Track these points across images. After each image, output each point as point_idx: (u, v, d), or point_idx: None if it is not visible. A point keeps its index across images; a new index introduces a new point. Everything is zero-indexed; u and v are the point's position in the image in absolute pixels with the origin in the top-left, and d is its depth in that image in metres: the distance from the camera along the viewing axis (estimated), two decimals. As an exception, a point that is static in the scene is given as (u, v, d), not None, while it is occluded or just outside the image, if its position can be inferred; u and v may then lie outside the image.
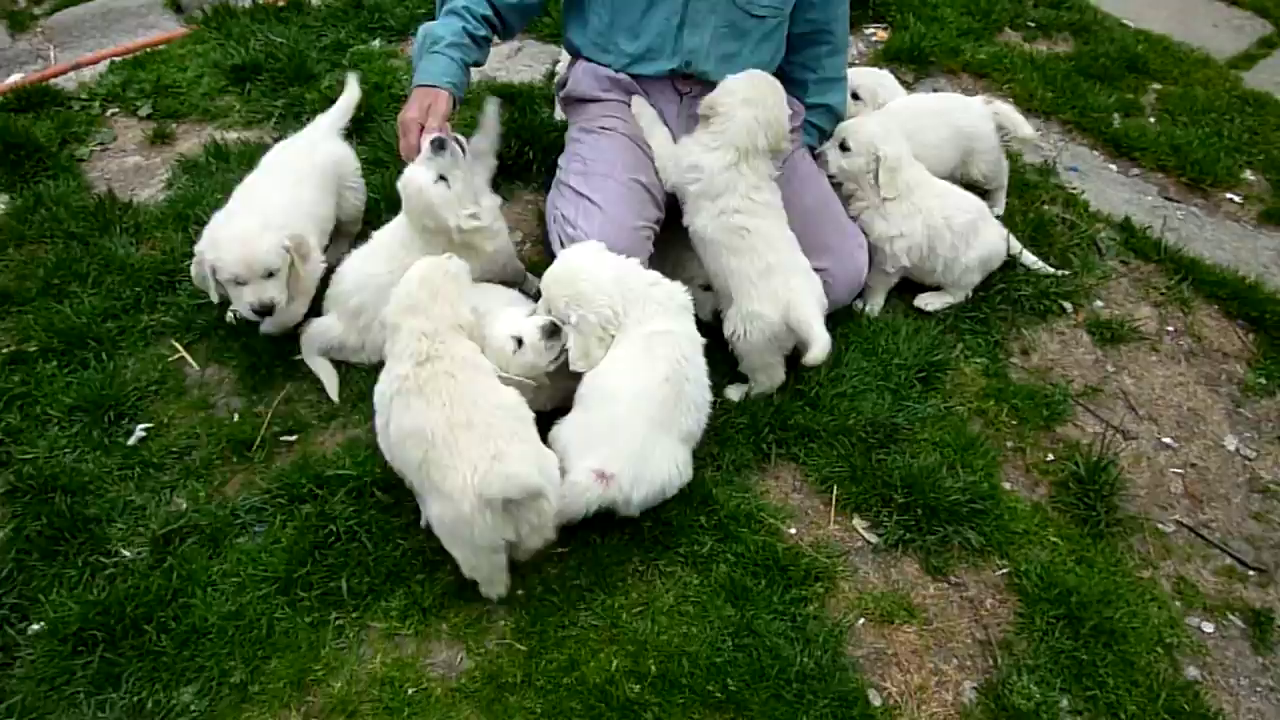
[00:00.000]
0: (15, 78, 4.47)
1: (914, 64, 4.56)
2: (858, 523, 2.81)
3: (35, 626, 2.45)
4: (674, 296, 2.76)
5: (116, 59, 4.51)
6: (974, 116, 3.63)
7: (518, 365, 2.64)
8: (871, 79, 3.77)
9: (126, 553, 2.60)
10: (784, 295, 2.86)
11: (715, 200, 2.93)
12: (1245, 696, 2.55)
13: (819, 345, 2.79)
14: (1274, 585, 2.80)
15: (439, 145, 2.76)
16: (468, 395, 2.39)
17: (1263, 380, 3.33)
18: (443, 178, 2.80)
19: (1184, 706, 2.46)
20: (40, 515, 2.63)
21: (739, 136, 2.89)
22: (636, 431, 2.54)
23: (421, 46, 2.97)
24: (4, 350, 3.09)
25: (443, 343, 2.47)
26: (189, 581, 2.52)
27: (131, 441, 2.85)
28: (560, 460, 2.49)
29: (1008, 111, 3.66)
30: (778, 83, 3.02)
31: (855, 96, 3.65)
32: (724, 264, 2.94)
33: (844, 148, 3.29)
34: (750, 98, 2.92)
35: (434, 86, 2.87)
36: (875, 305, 3.37)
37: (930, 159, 3.45)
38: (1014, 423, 3.11)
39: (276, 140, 3.86)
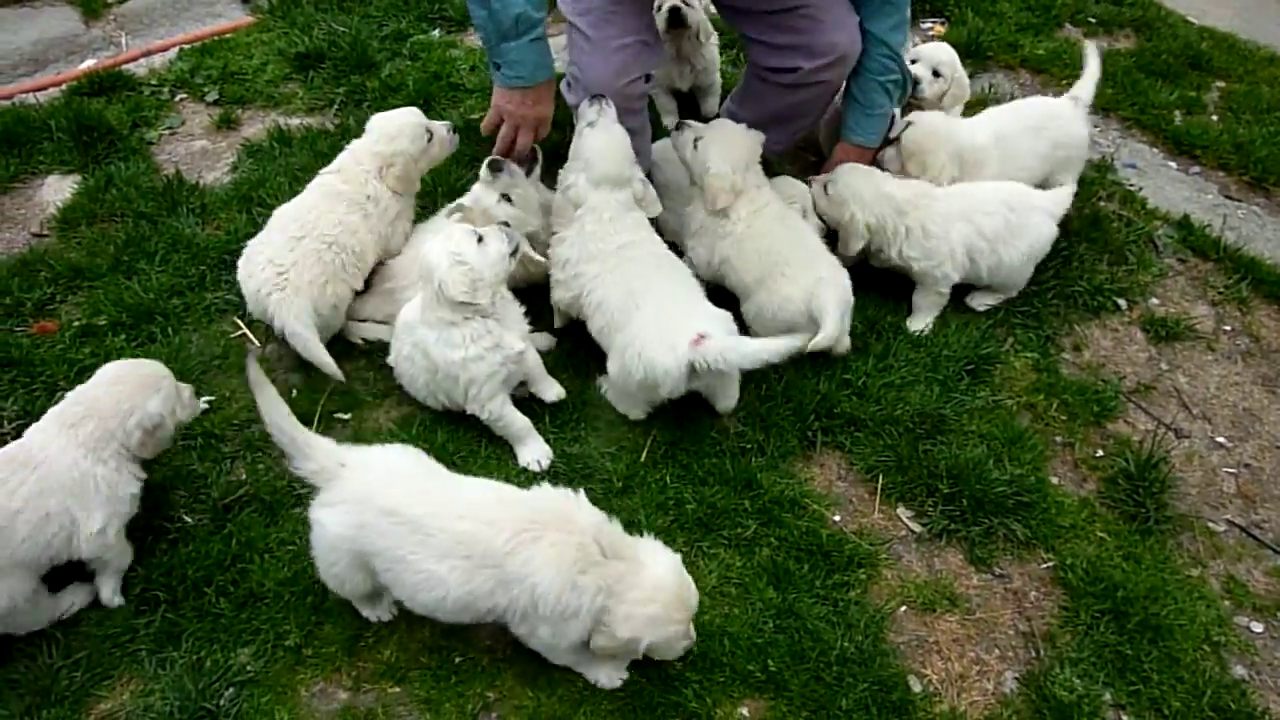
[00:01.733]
0: (89, 63, 4.62)
1: (971, 58, 4.52)
2: (902, 512, 2.82)
3: (101, 587, 2.56)
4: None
5: (185, 46, 4.64)
6: (1069, 123, 3.57)
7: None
8: (949, 55, 3.76)
9: (188, 519, 2.70)
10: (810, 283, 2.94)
11: None
12: (1294, 698, 2.52)
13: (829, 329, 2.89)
14: (1328, 588, 2.76)
15: (496, 168, 2.84)
16: None
17: (1322, 382, 3.28)
18: (506, 196, 2.89)
19: (1230, 704, 2.44)
20: (108, 481, 2.74)
21: None
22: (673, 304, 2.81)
23: (509, 29, 2.87)
24: (76, 323, 3.20)
25: None
26: (247, 548, 2.60)
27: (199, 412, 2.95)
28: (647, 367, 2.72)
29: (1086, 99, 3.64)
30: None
31: (936, 74, 3.65)
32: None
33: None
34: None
35: (534, 86, 2.97)
36: (925, 324, 3.31)
37: (1022, 176, 3.41)
38: (1063, 418, 3.09)
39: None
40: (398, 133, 3.19)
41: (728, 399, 2.95)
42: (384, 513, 2.20)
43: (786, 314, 3.01)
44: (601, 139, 2.94)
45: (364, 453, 2.36)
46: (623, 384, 2.86)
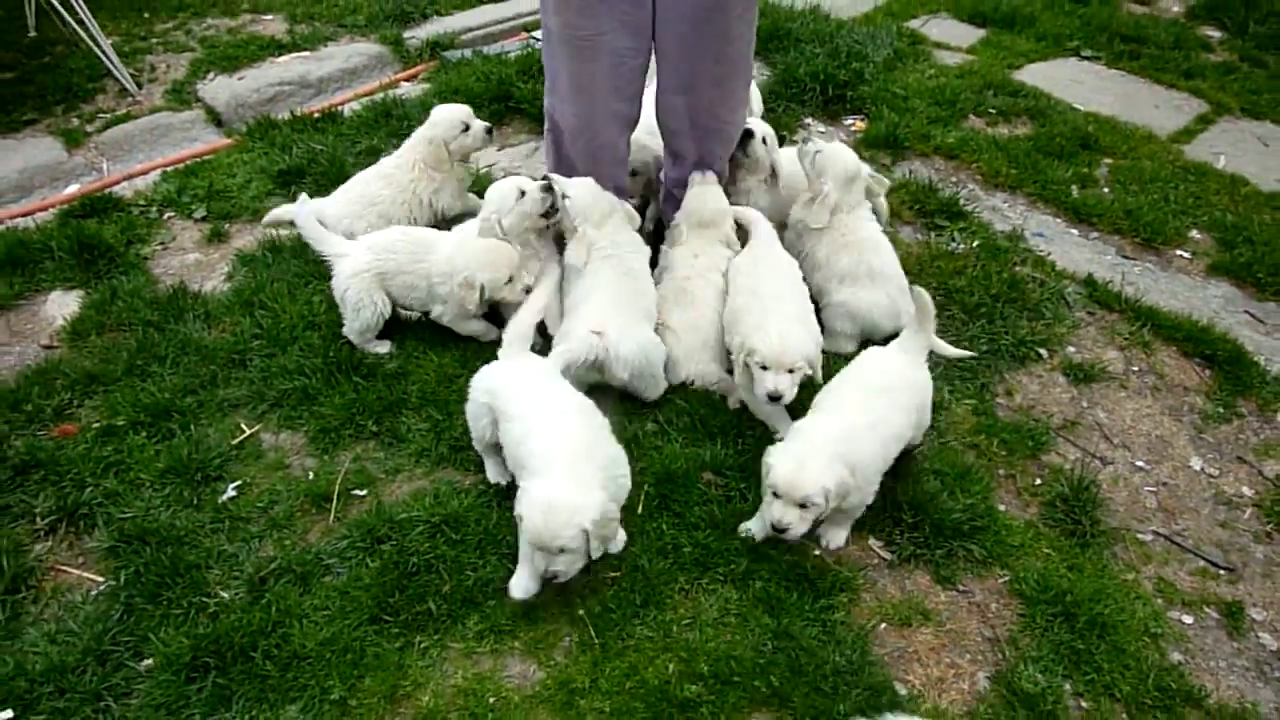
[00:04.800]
0: (73, 188, 4.91)
1: (890, 149, 5.08)
2: (873, 542, 3.15)
3: (147, 662, 2.74)
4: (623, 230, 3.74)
5: (168, 169, 4.96)
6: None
7: (517, 212, 3.65)
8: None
9: (225, 594, 2.90)
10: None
11: None
12: (1224, 675, 2.88)
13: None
14: (1243, 582, 3.15)
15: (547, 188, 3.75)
16: None
17: (1220, 409, 3.74)
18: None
19: (1171, 685, 2.79)
20: (142, 565, 2.94)
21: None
22: (612, 305, 3.45)
23: None
24: (96, 425, 3.42)
25: None
26: (286, 615, 2.82)
27: (223, 499, 3.18)
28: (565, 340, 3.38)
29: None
30: None
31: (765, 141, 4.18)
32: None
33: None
34: None
35: None
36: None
37: None
38: (1003, 453, 3.49)
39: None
40: (438, 120, 4.14)
41: (648, 394, 3.55)
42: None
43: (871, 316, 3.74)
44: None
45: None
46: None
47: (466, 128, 4.15)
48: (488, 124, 4.21)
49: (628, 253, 3.69)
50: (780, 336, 3.24)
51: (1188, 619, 3.03)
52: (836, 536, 3.09)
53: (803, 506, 2.81)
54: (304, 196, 3.89)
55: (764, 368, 3.23)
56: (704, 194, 3.91)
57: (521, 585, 2.86)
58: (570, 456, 2.78)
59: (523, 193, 3.67)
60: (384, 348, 3.73)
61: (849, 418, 2.98)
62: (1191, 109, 5.72)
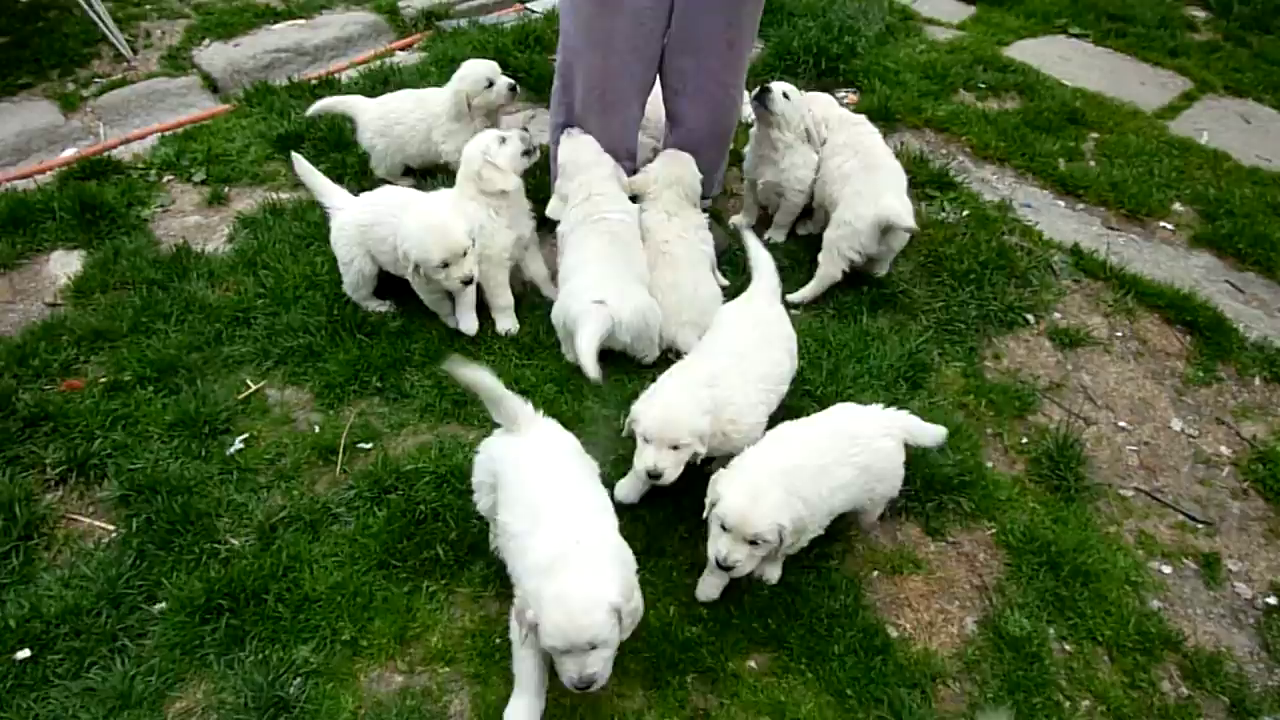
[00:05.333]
0: (70, 152, 4.93)
1: (882, 121, 5.14)
2: (866, 496, 3.25)
3: (160, 605, 2.81)
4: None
5: (166, 133, 4.98)
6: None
7: (501, 157, 3.63)
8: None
9: (235, 541, 2.97)
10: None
11: None
12: (1201, 621, 3.00)
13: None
14: (1220, 535, 3.28)
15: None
16: None
17: (1200, 373, 3.85)
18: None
19: (1150, 630, 2.92)
20: (153, 513, 3.01)
21: None
22: (607, 271, 3.51)
23: None
24: (103, 380, 3.47)
25: None
26: (296, 561, 2.89)
27: (230, 452, 3.24)
28: (567, 314, 3.44)
29: None
30: None
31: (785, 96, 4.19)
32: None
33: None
34: None
35: None
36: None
37: None
38: (991, 413, 3.59)
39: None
40: (465, 74, 4.26)
41: (644, 356, 3.64)
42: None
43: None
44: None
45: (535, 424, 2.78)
46: (558, 327, 3.58)
47: (490, 83, 4.21)
48: (512, 80, 4.26)
49: (616, 217, 3.72)
50: (665, 407, 2.90)
51: (1167, 569, 3.15)
52: (772, 572, 2.91)
53: (753, 543, 2.64)
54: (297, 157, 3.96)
55: (645, 440, 2.90)
56: (677, 156, 3.96)
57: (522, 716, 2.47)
58: (583, 553, 2.42)
59: (503, 140, 3.68)
60: (382, 306, 3.78)
61: (798, 455, 2.81)
62: (1176, 86, 5.82)
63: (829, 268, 3.91)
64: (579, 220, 3.70)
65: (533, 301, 3.86)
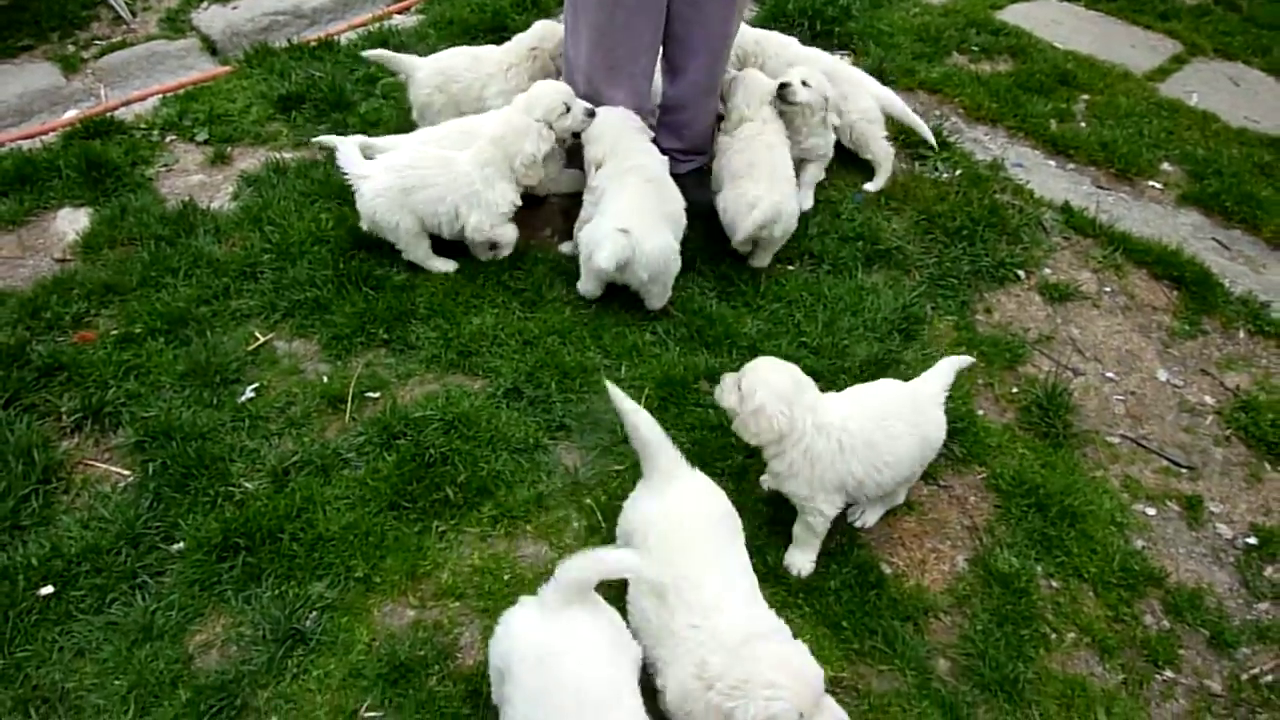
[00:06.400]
0: (73, 113, 4.96)
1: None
2: (860, 442, 3.35)
3: (178, 544, 2.90)
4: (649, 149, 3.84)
5: (167, 94, 5.01)
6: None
7: (561, 125, 3.73)
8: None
9: (249, 485, 3.06)
10: None
11: None
12: (1184, 560, 3.12)
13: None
14: (1203, 480, 3.39)
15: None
16: None
17: (1186, 326, 3.96)
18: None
19: (1134, 567, 3.03)
20: (168, 458, 3.09)
21: None
22: (637, 207, 3.55)
23: None
24: (114, 332, 3.54)
25: None
26: (309, 503, 2.98)
27: (241, 400, 3.32)
28: (591, 239, 3.52)
29: None
30: None
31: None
32: None
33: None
34: None
35: None
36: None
37: None
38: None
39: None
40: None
41: (654, 300, 3.70)
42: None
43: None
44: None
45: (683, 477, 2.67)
46: (582, 249, 3.64)
47: (567, 108, 3.78)
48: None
49: (649, 161, 3.76)
50: None
51: (1151, 511, 3.27)
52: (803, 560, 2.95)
53: None
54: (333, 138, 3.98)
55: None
56: (753, 74, 4.05)
57: None
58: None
59: (568, 108, 3.74)
60: (449, 266, 3.82)
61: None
62: (1166, 49, 5.88)
63: None
64: (612, 173, 3.70)
65: (535, 256, 3.93)
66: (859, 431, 2.74)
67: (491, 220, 3.71)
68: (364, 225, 3.76)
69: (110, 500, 3.01)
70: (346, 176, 3.74)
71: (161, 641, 2.66)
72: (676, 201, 3.74)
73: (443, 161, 3.70)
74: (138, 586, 2.78)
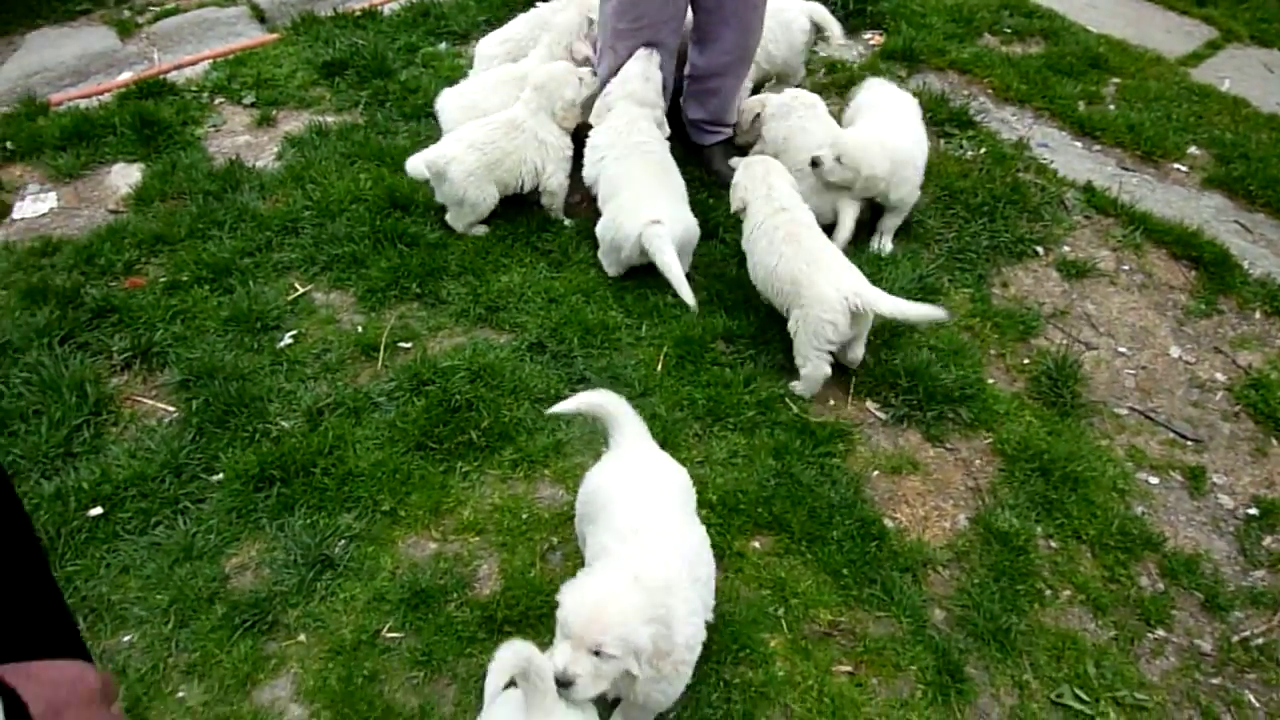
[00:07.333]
0: (127, 75, 5.16)
1: (906, 62, 5.28)
2: (870, 404, 3.46)
3: (218, 475, 3.08)
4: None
5: (217, 59, 5.21)
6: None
7: (581, 94, 3.95)
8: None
9: (285, 423, 3.23)
10: None
11: None
12: (1183, 528, 3.20)
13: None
14: (1208, 452, 3.46)
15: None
16: None
17: (1202, 306, 4.01)
18: None
19: (1133, 531, 3.12)
20: (210, 396, 3.27)
21: None
22: (655, 193, 3.66)
23: None
24: (162, 279, 3.73)
25: None
26: (340, 441, 3.15)
27: (280, 346, 3.49)
28: (619, 230, 3.64)
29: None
30: None
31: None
32: None
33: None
34: None
35: None
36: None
37: None
38: (996, 335, 3.77)
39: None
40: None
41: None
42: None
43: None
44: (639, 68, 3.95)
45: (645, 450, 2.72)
46: (605, 242, 3.76)
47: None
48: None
49: (654, 142, 3.90)
50: (595, 604, 2.13)
51: (1154, 480, 3.34)
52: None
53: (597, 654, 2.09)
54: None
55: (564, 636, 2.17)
56: (647, 67, 3.97)
57: None
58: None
59: (580, 80, 3.95)
60: (484, 229, 4.00)
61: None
62: (1202, 35, 5.88)
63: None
64: (623, 151, 3.82)
65: (563, 220, 4.07)
66: None
67: (564, 169, 3.98)
68: (443, 199, 3.93)
69: (156, 433, 3.20)
70: (431, 165, 3.84)
71: (200, 562, 2.84)
72: (677, 173, 3.89)
73: (510, 126, 3.89)
74: (180, 512, 2.97)
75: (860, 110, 4.25)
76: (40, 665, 0.93)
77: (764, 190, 3.57)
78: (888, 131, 3.98)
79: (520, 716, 1.99)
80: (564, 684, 2.03)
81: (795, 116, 3.98)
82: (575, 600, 2.13)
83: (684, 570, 2.33)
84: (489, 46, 4.57)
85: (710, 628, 2.64)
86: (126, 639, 2.67)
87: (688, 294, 3.53)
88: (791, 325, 3.41)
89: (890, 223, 4.07)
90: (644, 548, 2.32)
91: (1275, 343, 3.89)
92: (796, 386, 3.45)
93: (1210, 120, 5.04)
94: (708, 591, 2.47)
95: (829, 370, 3.38)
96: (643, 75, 3.93)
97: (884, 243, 4.07)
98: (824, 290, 3.30)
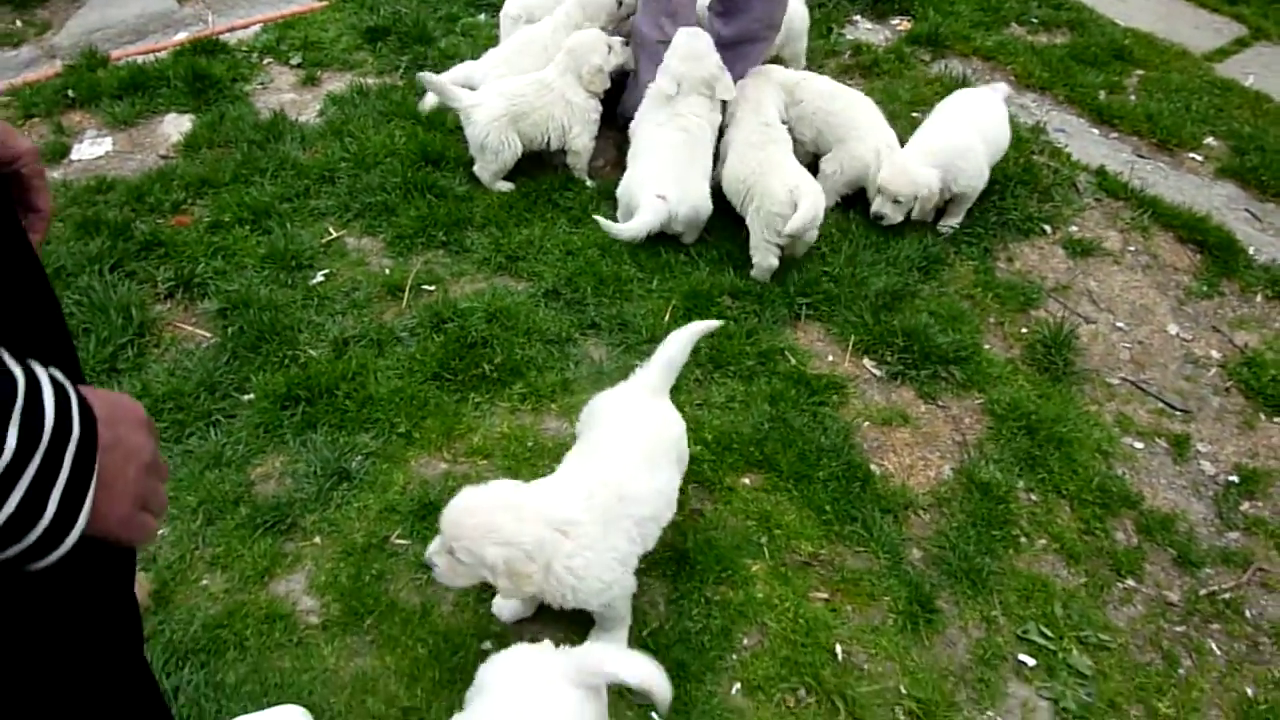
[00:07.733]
0: (183, 35, 5.43)
1: (932, 47, 5.41)
2: (867, 362, 3.61)
3: (249, 395, 3.31)
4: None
5: (267, 23, 5.46)
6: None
7: (609, 62, 4.14)
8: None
9: (312, 351, 3.45)
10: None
11: None
12: (1163, 490, 3.31)
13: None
14: (1195, 422, 3.57)
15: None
16: None
17: (1204, 287, 4.10)
18: None
19: (1113, 489, 3.24)
20: (245, 324, 3.50)
21: None
22: (671, 165, 3.86)
23: None
24: (206, 219, 3.97)
25: None
26: (363, 369, 3.36)
27: (312, 283, 3.72)
28: (631, 197, 3.87)
29: None
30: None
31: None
32: None
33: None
34: None
35: None
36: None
37: None
38: (996, 305, 3.90)
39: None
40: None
41: (687, 237, 4.01)
42: None
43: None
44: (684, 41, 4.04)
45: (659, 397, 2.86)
46: (622, 204, 3.98)
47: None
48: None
49: (692, 114, 3.98)
50: (463, 510, 2.40)
51: (1139, 445, 3.46)
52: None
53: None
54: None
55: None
56: (697, 45, 4.00)
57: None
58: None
59: (610, 48, 4.14)
60: (508, 186, 4.19)
61: None
62: (1231, 32, 5.93)
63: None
64: (665, 118, 3.96)
65: (583, 179, 4.26)
66: None
67: (590, 131, 4.17)
68: (471, 148, 4.13)
69: (194, 355, 3.43)
70: (456, 106, 4.10)
71: (229, 469, 3.07)
72: (708, 156, 4.03)
73: (542, 85, 4.11)
74: (212, 424, 3.20)
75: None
76: (94, 389, 1.03)
77: (753, 105, 4.03)
78: (924, 143, 4.15)
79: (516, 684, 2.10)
80: (426, 567, 2.47)
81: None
82: (457, 501, 2.40)
83: (609, 509, 2.46)
84: (511, 7, 4.81)
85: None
86: (159, 532, 2.90)
87: (619, 233, 3.83)
88: (749, 220, 3.82)
89: (958, 208, 4.19)
90: (568, 479, 2.57)
91: (1274, 325, 3.98)
92: (754, 273, 3.83)
93: (1230, 113, 5.11)
94: (645, 533, 2.57)
95: (776, 262, 3.77)
96: (695, 55, 3.97)
97: (950, 224, 4.21)
98: (774, 187, 3.71)
